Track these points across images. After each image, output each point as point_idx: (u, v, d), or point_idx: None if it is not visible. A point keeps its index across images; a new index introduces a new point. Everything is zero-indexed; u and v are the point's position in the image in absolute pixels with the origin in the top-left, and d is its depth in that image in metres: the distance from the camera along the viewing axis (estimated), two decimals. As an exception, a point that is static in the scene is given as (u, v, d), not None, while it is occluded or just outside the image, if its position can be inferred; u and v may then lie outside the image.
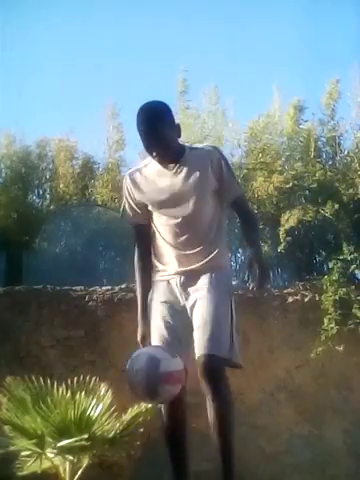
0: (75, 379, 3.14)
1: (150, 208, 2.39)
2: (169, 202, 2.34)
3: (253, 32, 8.40)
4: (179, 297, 2.35)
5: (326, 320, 3.82)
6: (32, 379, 3.13)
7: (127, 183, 2.42)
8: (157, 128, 2.26)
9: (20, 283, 4.23)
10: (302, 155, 4.86)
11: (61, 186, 5.39)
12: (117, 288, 4.00)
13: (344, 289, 3.88)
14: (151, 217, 2.43)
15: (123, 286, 4.03)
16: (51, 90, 8.34)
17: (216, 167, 2.35)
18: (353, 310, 3.83)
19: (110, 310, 3.89)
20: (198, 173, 2.33)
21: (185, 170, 2.34)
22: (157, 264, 2.43)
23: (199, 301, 2.29)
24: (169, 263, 2.39)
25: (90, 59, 8.74)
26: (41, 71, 8.62)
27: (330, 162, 4.93)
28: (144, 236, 2.46)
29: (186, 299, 2.33)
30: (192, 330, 2.28)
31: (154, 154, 2.29)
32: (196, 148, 2.45)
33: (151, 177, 2.38)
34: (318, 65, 7.97)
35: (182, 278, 2.36)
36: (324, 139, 4.99)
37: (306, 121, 5.02)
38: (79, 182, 5.39)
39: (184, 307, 2.33)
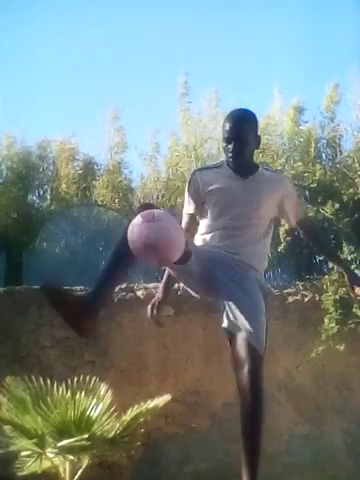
0: (75, 379, 3.14)
1: (207, 205, 2.52)
2: (235, 205, 2.47)
3: (253, 35, 8.43)
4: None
5: (326, 320, 3.82)
6: (32, 379, 3.13)
7: (196, 178, 2.55)
8: (241, 125, 2.45)
9: (20, 283, 4.22)
10: (302, 155, 4.86)
11: (62, 186, 5.40)
12: (117, 288, 4.00)
13: (344, 289, 3.87)
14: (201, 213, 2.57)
15: (123, 286, 4.02)
16: (52, 92, 8.36)
17: (289, 196, 2.58)
18: (353, 309, 3.83)
19: (110, 310, 3.88)
20: (271, 191, 2.51)
21: (259, 182, 2.51)
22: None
23: (244, 293, 2.38)
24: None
25: (91, 62, 8.75)
26: (42, 73, 8.63)
27: (330, 163, 4.94)
28: (193, 225, 2.59)
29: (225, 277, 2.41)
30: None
31: (230, 148, 2.43)
32: (270, 170, 2.70)
33: (224, 178, 2.52)
34: (318, 67, 8.00)
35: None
36: (324, 140, 5.00)
37: (306, 122, 5.05)
38: (80, 183, 5.41)
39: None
